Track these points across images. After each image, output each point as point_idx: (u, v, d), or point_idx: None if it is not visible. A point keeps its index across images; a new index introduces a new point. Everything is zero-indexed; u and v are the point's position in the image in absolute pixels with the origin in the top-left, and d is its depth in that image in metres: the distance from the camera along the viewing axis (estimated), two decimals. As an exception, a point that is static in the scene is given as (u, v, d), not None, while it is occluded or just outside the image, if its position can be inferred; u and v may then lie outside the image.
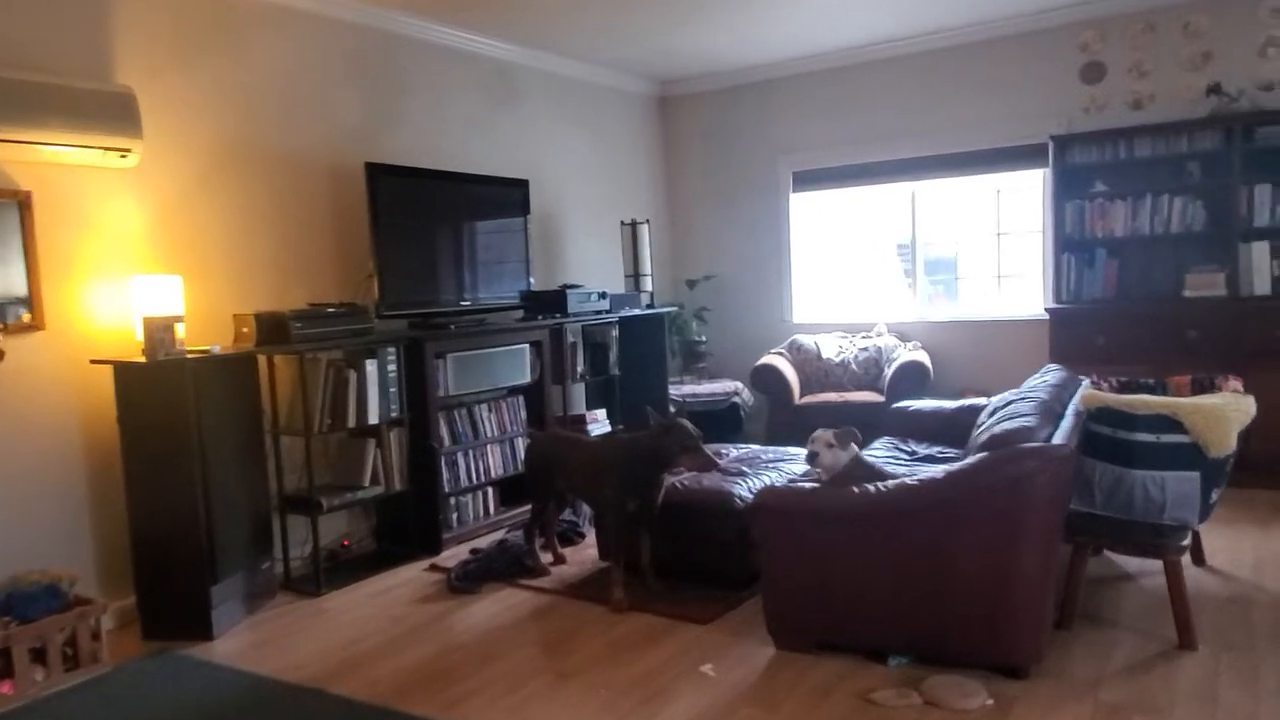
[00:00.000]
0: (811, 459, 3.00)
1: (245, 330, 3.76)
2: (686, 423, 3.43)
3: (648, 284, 6.08)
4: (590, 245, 6.30)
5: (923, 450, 4.15)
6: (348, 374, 3.94)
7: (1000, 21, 5.60)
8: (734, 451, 4.39)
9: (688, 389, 6.39)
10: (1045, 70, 5.59)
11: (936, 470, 2.80)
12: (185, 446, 3.32)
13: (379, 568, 4.18)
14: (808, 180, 6.55)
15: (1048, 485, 2.65)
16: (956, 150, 5.93)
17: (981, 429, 3.21)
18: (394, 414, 4.18)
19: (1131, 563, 3.69)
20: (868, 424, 5.14)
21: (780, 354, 6.05)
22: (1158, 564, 3.58)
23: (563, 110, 6.06)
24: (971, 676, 2.74)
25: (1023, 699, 2.64)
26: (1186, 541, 2.95)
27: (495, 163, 5.40)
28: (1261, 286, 4.89)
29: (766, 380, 5.73)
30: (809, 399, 5.70)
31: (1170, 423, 2.98)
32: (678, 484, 3.77)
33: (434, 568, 4.14)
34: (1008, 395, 3.73)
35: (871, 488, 2.83)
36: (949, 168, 5.99)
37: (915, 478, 2.79)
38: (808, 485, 3.02)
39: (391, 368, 4.16)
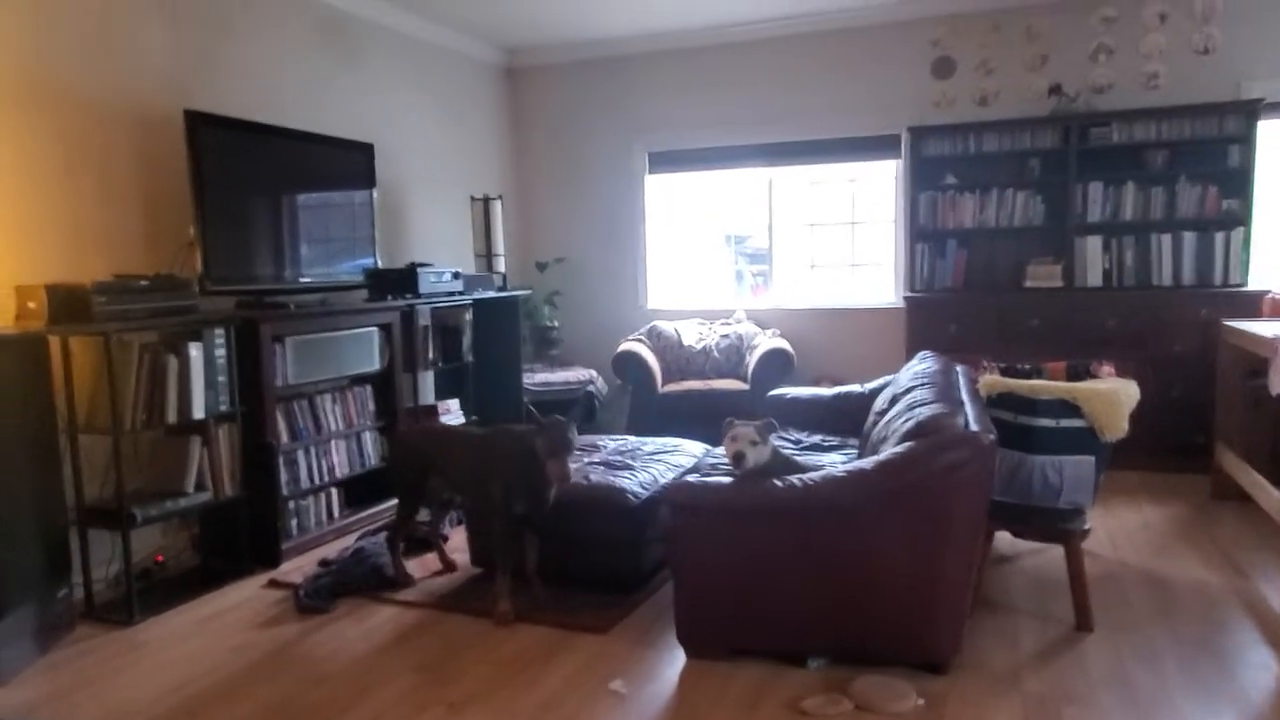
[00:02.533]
0: (738, 460, 2.76)
1: (32, 305, 3.06)
2: (565, 425, 3.08)
3: (501, 265, 5.68)
4: (436, 221, 5.80)
5: (807, 439, 4.05)
6: (166, 359, 3.31)
7: (857, 11, 5.63)
8: (610, 443, 4.12)
9: (540, 377, 6.05)
10: (899, 63, 5.68)
11: (862, 461, 2.65)
12: (-45, 451, 2.63)
13: (204, 587, 3.57)
14: (664, 162, 6.36)
15: (977, 475, 2.56)
16: (813, 138, 5.93)
17: (890, 415, 3.11)
18: (223, 407, 3.57)
19: (1003, 542, 3.74)
20: (734, 412, 5.03)
21: (640, 340, 5.83)
22: (1031, 545, 3.68)
23: (406, 73, 5.52)
24: (895, 675, 2.61)
25: (951, 696, 2.55)
26: (1088, 526, 2.98)
27: (332, 124, 4.81)
28: (1094, 279, 5.19)
29: (628, 368, 5.49)
30: (672, 387, 5.52)
31: (1069, 407, 2.99)
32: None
33: (274, 583, 3.58)
34: (897, 381, 3.69)
35: (796, 481, 2.64)
36: (805, 155, 5.99)
37: (841, 469, 2.63)
38: (721, 480, 2.79)
39: (220, 352, 3.55)
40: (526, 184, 6.74)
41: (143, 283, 3.27)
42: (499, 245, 5.66)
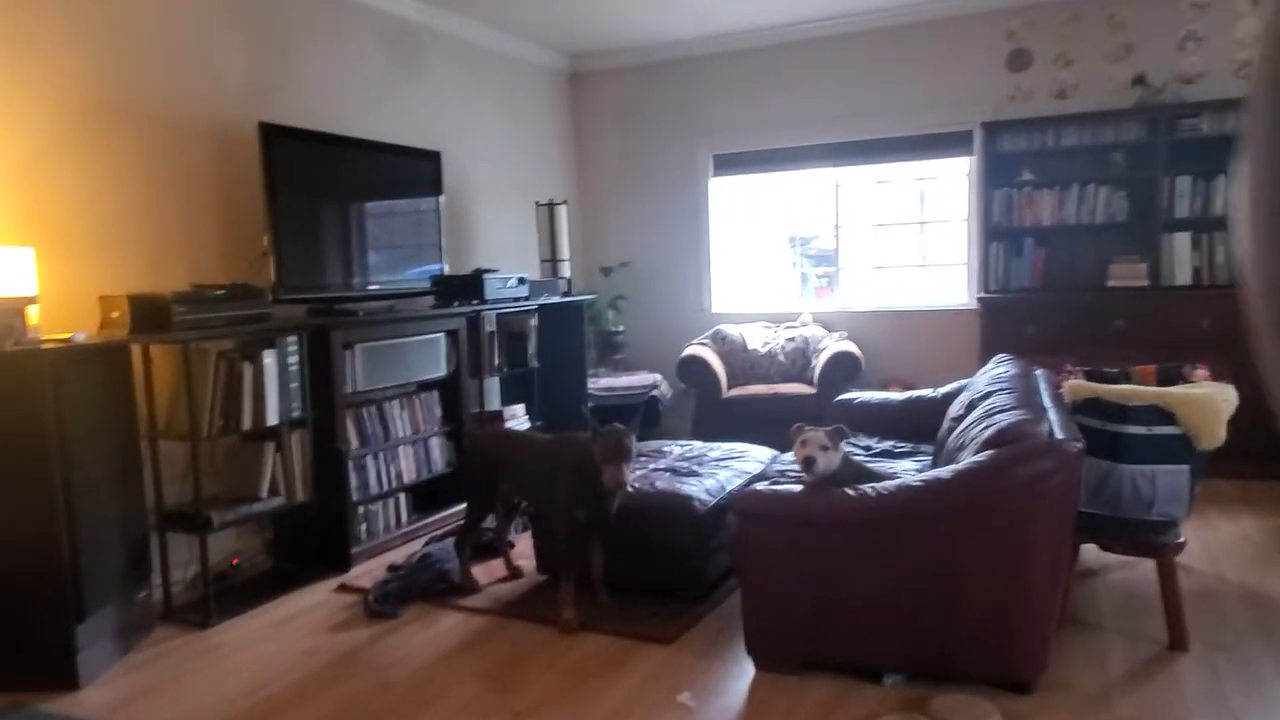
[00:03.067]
0: (808, 465, 2.68)
1: (115, 315, 3.14)
2: (623, 433, 3.04)
3: (565, 270, 5.68)
4: (501, 227, 5.83)
5: (877, 445, 3.93)
6: (241, 367, 3.38)
7: (926, 4, 5.48)
8: (676, 449, 4.06)
9: (604, 382, 6.03)
10: (971, 57, 5.51)
11: (939, 470, 2.55)
12: (42, 455, 2.71)
13: (278, 591, 3.63)
14: (729, 164, 6.29)
15: (1062, 485, 2.44)
16: (881, 136, 5.80)
17: (968, 422, 2.99)
18: (295, 413, 3.63)
19: (1090, 555, 3.57)
20: (800, 417, 4.94)
21: (704, 344, 5.77)
22: (1121, 558, 3.50)
23: (471, 80, 5.57)
24: (976, 694, 2.50)
25: (1036, 717, 2.43)
26: (1182, 539, 2.81)
27: (399, 133, 4.86)
28: (1183, 277, 4.94)
29: (693, 372, 5.44)
30: (737, 391, 5.44)
31: (1162, 414, 2.84)
32: (629, 487, 3.40)
33: (345, 588, 3.63)
34: (973, 385, 3.56)
35: (869, 490, 2.55)
36: (873, 154, 5.85)
37: (918, 478, 2.53)
38: (791, 488, 2.72)
39: (293, 360, 3.61)
40: (590, 189, 6.74)
41: (219, 292, 3.34)
42: (564, 250, 5.66)
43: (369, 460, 4.06)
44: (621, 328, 6.35)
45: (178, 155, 3.70)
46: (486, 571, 3.71)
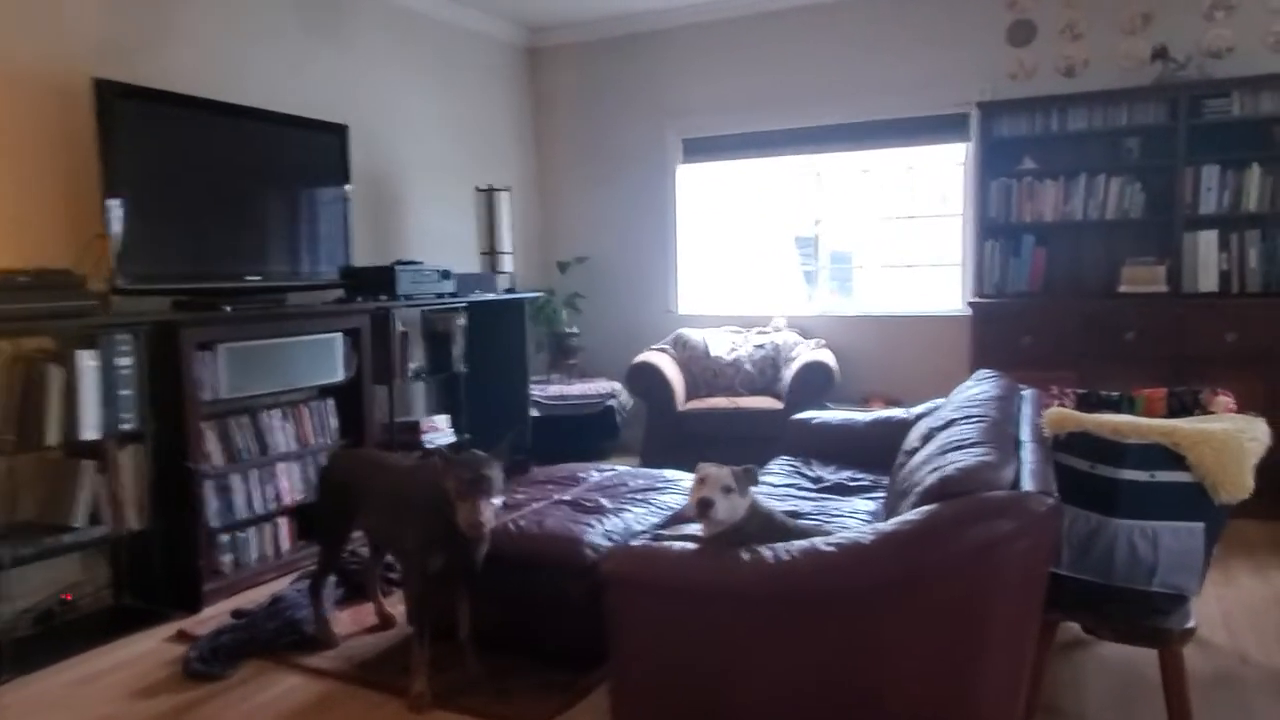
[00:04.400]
0: (703, 509, 2.05)
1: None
2: (482, 461, 2.43)
3: (507, 263, 5.08)
4: (438, 216, 5.23)
5: (830, 475, 3.30)
6: (45, 370, 2.80)
7: (920, -30, 4.83)
8: (596, 475, 3.45)
9: (554, 390, 5.43)
10: (968, 30, 4.85)
11: (862, 529, 1.91)
12: None
13: (110, 634, 3.05)
14: (699, 150, 5.66)
15: (1028, 553, 1.80)
16: (868, 119, 5.15)
17: (916, 461, 2.36)
18: (127, 425, 3.05)
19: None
20: (764, 437, 4.33)
21: (663, 350, 5.15)
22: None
23: (405, 52, 4.98)
24: (908, 828, 1.87)
25: None
26: (1191, 624, 2.16)
27: (312, 106, 4.27)
28: (1207, 282, 4.26)
29: (645, 381, 4.81)
30: (695, 404, 4.81)
31: (1169, 456, 2.19)
32: (510, 525, 2.80)
33: (183, 635, 3.03)
34: (940, 410, 2.92)
35: (770, 553, 1.92)
36: (859, 139, 5.21)
37: (833, 540, 1.90)
38: (679, 543, 2.10)
39: (124, 362, 3.02)
40: (549, 177, 6.13)
41: (19, 279, 2.76)
42: (505, 241, 5.06)
43: (237, 479, 3.48)
44: (576, 329, 5.74)
45: (10, 119, 3.13)
46: (356, 618, 3.11)
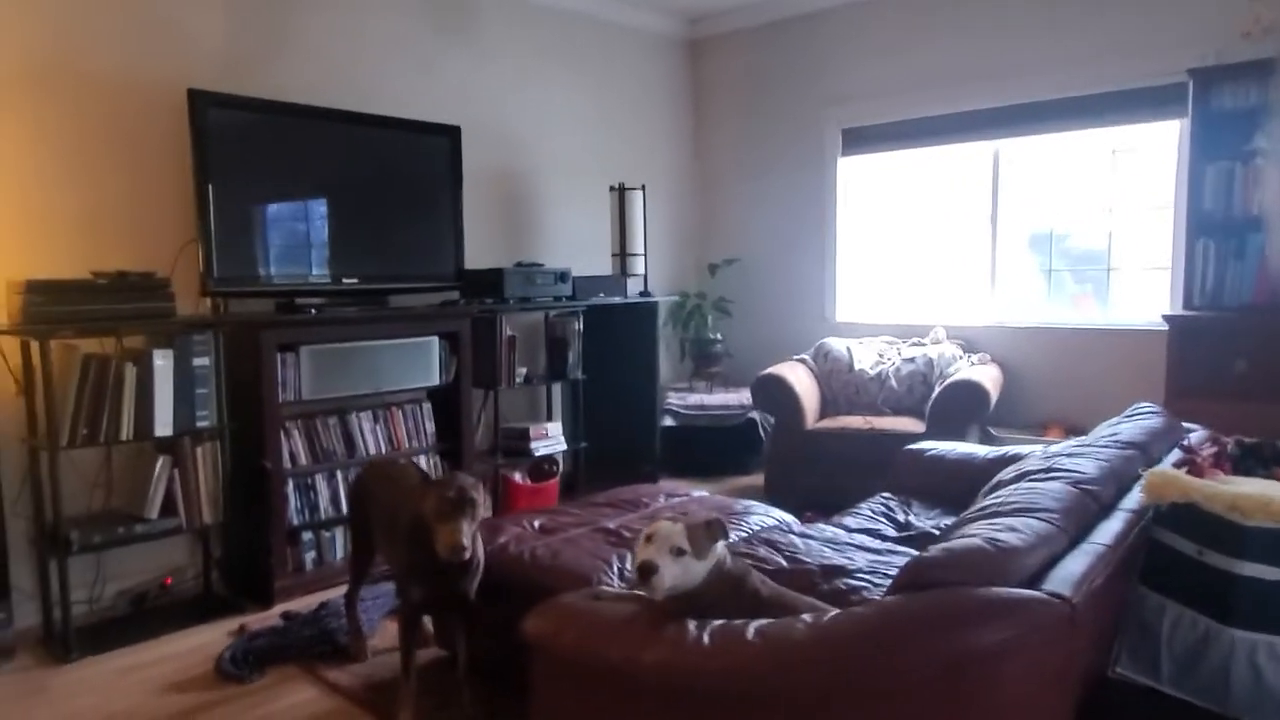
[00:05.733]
0: (644, 575, 1.70)
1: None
2: (464, 483, 2.20)
3: (638, 265, 4.84)
4: (578, 217, 5.09)
5: (922, 521, 2.76)
6: (122, 368, 2.94)
7: (1122, -88, 4.01)
8: (660, 500, 3.13)
9: (693, 399, 5.14)
10: (1186, -21, 3.97)
11: (791, 624, 1.48)
12: None
13: (188, 622, 3.18)
14: (860, 141, 5.12)
15: (1025, 677, 1.30)
16: (1057, 96, 4.37)
17: (971, 512, 1.84)
18: (203, 423, 3.16)
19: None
20: (887, 466, 3.78)
21: (801, 361, 4.69)
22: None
23: (547, 49, 4.89)
24: None
25: None
26: (1334, 793, 1.50)
27: (443, 110, 4.27)
28: None
29: (770, 395, 4.39)
30: (826, 423, 4.32)
31: (1313, 548, 1.54)
32: (525, 553, 2.57)
33: (241, 630, 3.09)
34: (1054, 453, 2.32)
35: (707, 633, 1.54)
36: (1047, 120, 4.44)
37: (760, 627, 1.48)
38: (614, 605, 1.76)
39: (201, 362, 3.13)
40: (705, 175, 5.82)
41: (99, 282, 2.92)
42: (637, 243, 4.83)
43: (320, 480, 3.52)
44: (720, 335, 5.39)
45: (132, 130, 3.36)
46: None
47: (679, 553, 1.70)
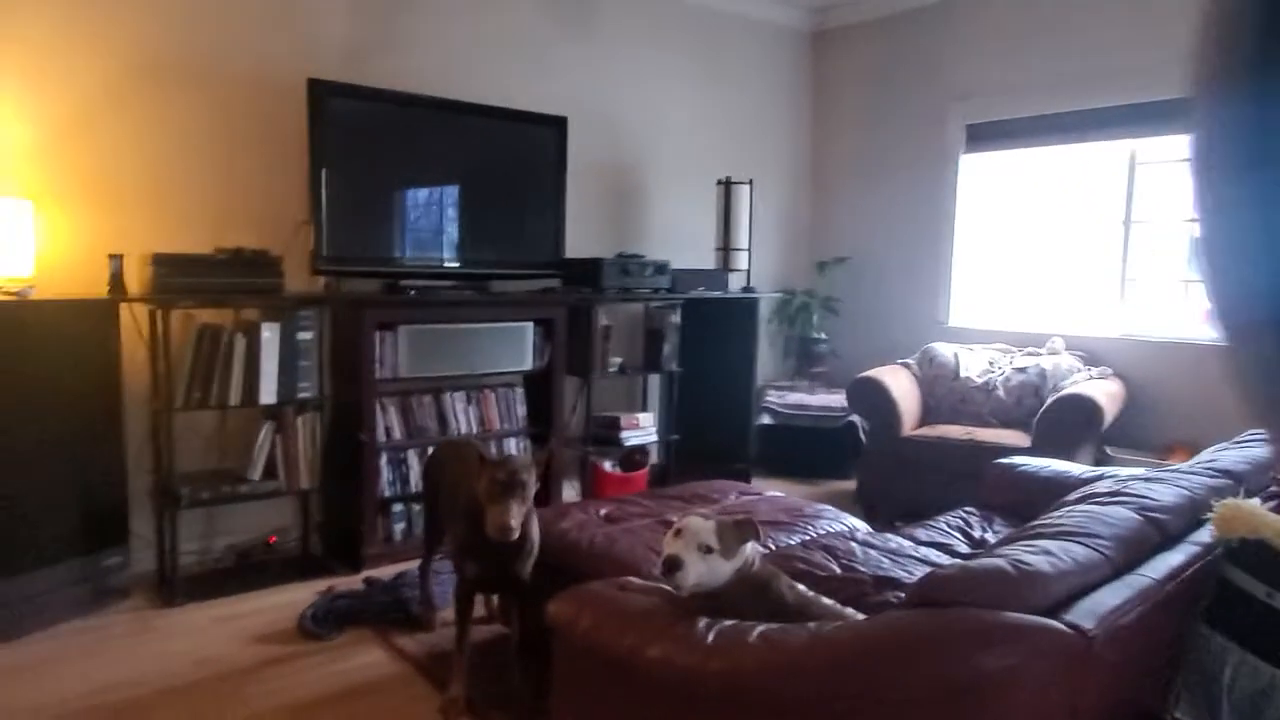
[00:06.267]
0: (669, 570, 1.70)
1: (117, 276, 3.10)
2: (517, 464, 2.24)
3: (741, 260, 4.79)
4: (686, 210, 5.08)
5: (991, 533, 2.62)
6: (233, 339, 3.17)
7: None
8: (730, 498, 3.10)
9: (794, 398, 5.06)
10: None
11: (793, 631, 1.43)
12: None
13: (287, 578, 3.40)
14: (984, 137, 4.88)
15: (1038, 702, 1.23)
16: (1201, 92, 4.02)
17: (1007, 535, 1.74)
18: (305, 394, 3.36)
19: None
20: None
21: (905, 366, 4.53)
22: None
23: (664, 42, 4.91)
24: None
25: None
26: None
27: (555, 102, 4.36)
28: None
29: (866, 399, 4.26)
30: (924, 431, 4.15)
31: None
32: (584, 539, 2.61)
33: (329, 591, 3.28)
34: (1132, 476, 2.16)
35: (702, 632, 1.53)
36: (1184, 117, 4.09)
37: (764, 631, 1.45)
38: (639, 598, 1.75)
39: (306, 335, 3.33)
40: (822, 171, 5.70)
41: (218, 257, 3.15)
42: (741, 238, 4.78)
43: (413, 455, 3.68)
44: (825, 334, 5.27)
45: (259, 117, 3.60)
46: (481, 603, 3.12)
47: (706, 550, 1.69)
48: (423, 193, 3.80)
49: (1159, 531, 1.66)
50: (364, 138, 3.60)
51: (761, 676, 1.37)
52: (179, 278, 3.05)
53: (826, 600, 1.80)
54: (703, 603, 1.68)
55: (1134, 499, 1.78)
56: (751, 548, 1.76)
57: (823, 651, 1.33)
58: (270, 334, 3.23)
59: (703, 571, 1.68)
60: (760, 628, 1.49)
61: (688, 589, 1.68)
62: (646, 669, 1.55)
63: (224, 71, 3.53)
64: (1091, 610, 1.32)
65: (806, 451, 5.03)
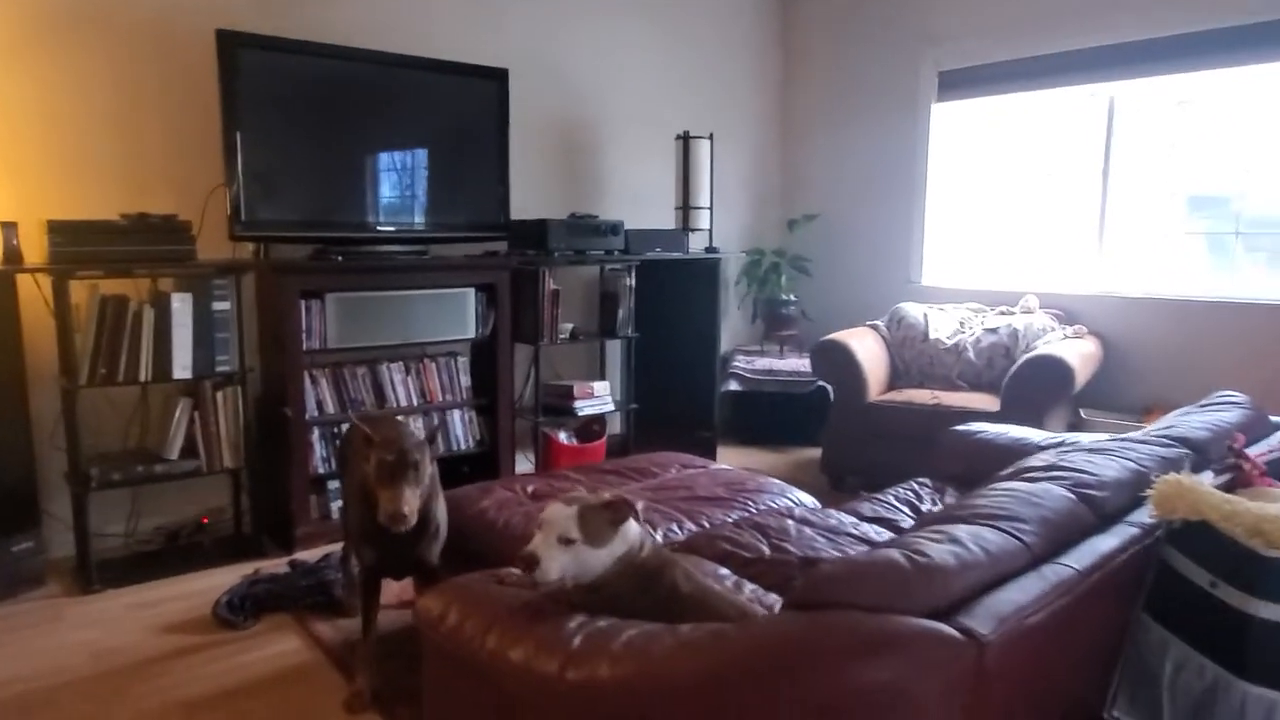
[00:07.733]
0: (527, 566, 1.50)
1: (14, 244, 2.89)
2: (409, 443, 2.06)
3: (703, 220, 4.57)
4: (647, 169, 4.85)
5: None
6: (140, 310, 2.97)
7: None
8: (671, 471, 2.92)
9: (761, 363, 4.88)
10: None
11: (656, 631, 1.26)
12: None
13: (217, 561, 3.24)
14: (957, 84, 4.64)
15: (919, 718, 1.05)
16: (1186, 30, 3.78)
17: (921, 518, 1.56)
18: (223, 368, 3.17)
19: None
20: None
21: (872, 328, 4.33)
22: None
23: (616, -12, 4.64)
24: None
25: None
26: None
27: (505, 56, 4.12)
28: None
29: (829, 363, 4.06)
30: (890, 396, 3.96)
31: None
32: (500, 519, 2.43)
33: (256, 574, 3.11)
34: (1072, 447, 1.97)
35: (564, 629, 1.35)
36: (1172, 58, 3.85)
37: (629, 634, 1.27)
38: (521, 592, 1.57)
39: (221, 306, 3.13)
40: (792, 126, 5.45)
41: (122, 223, 2.95)
42: (702, 195, 4.55)
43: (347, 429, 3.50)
44: (793, 296, 5.06)
45: (166, 73, 3.38)
46: (406, 588, 2.95)
47: (566, 542, 1.50)
48: (353, 153, 3.57)
49: (1093, 512, 1.47)
50: (285, 94, 3.36)
51: (618, 691, 1.19)
52: (77, 246, 2.85)
53: (729, 593, 1.63)
54: (585, 596, 1.51)
55: (1070, 474, 1.59)
56: (637, 531, 1.57)
57: (684, 664, 1.16)
58: (181, 304, 3.03)
59: (567, 564, 1.49)
60: (631, 630, 1.31)
61: (549, 586, 1.50)
62: (511, 675, 1.38)
63: (126, 20, 3.29)
64: (993, 610, 1.14)
65: (775, 418, 4.85)
